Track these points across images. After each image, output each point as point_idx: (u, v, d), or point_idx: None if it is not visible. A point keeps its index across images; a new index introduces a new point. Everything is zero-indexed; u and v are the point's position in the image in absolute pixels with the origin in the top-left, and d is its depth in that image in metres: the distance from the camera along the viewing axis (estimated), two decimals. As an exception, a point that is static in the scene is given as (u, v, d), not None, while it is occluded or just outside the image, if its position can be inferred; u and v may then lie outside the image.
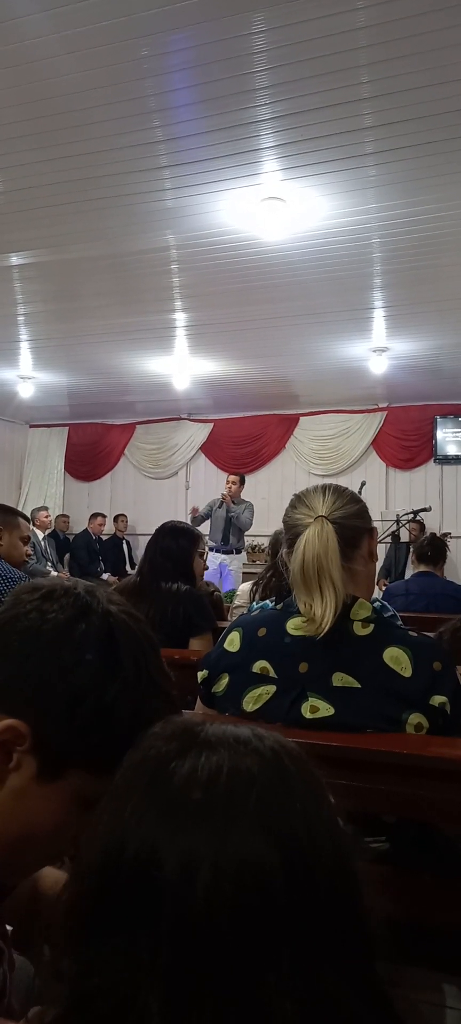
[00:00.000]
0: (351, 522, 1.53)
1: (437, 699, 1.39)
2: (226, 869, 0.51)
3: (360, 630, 1.46)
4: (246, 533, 8.17)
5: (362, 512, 1.58)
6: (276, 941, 0.50)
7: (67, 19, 3.06)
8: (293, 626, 1.49)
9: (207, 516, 8.04)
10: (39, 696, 0.75)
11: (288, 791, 0.56)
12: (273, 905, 0.51)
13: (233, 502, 7.88)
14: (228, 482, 8.02)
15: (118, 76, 3.40)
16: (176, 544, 2.98)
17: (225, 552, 7.83)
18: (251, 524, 7.96)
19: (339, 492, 1.57)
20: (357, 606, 1.47)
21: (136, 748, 0.61)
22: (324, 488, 1.57)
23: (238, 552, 8.01)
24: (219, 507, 7.93)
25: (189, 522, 8.02)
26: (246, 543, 9.74)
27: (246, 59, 3.26)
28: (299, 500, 1.58)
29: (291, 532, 1.55)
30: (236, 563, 7.92)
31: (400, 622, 1.67)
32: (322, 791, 0.59)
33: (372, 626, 1.46)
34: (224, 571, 7.70)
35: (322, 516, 1.50)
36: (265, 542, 9.20)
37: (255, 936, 0.50)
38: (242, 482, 8.05)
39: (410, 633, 1.49)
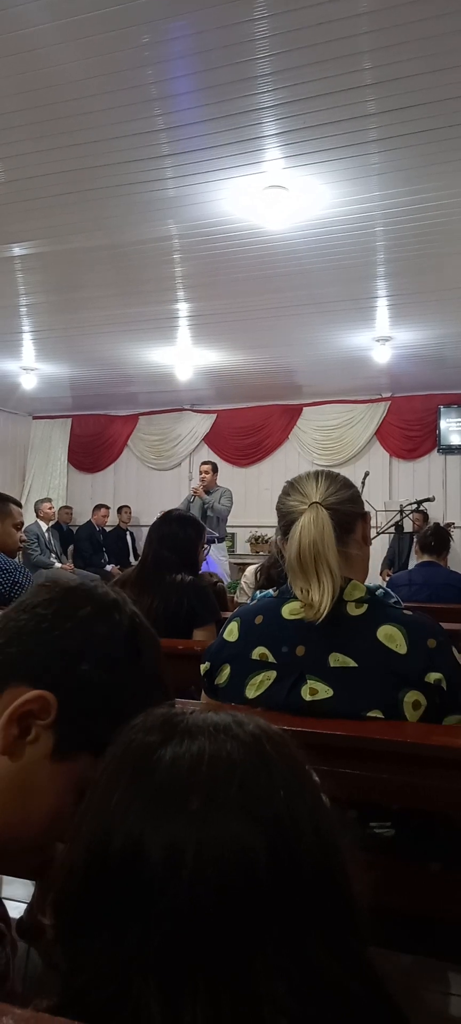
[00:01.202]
0: (345, 507, 1.53)
1: (433, 676, 1.39)
2: (210, 855, 0.52)
3: (354, 610, 1.47)
4: (248, 524, 8.06)
5: (355, 497, 1.59)
6: (264, 922, 0.51)
7: (66, 7, 3.04)
8: (289, 611, 1.51)
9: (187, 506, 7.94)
10: (66, 673, 0.78)
11: (269, 775, 0.56)
12: (259, 888, 0.52)
13: (207, 492, 7.76)
14: (201, 472, 7.92)
15: (118, 64, 3.38)
16: (184, 533, 2.92)
17: (207, 542, 7.72)
18: (229, 510, 7.83)
19: (332, 477, 1.58)
20: (350, 587, 1.48)
21: (116, 743, 0.61)
22: (317, 474, 1.58)
23: (220, 540, 7.94)
24: (192, 501, 7.81)
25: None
26: (247, 534, 9.71)
27: (248, 46, 3.23)
28: (292, 487, 1.59)
29: (285, 520, 1.56)
30: (217, 552, 7.85)
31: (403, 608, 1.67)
32: (304, 773, 0.60)
33: (366, 606, 1.47)
34: (210, 562, 7.64)
35: (316, 502, 1.50)
36: (268, 533, 9.21)
37: (243, 919, 0.51)
38: (215, 470, 7.97)
39: (404, 612, 1.49)
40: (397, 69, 3.33)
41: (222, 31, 3.15)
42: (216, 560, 7.64)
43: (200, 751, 0.56)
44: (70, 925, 0.55)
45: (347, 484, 1.59)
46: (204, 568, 7.08)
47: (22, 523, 3.41)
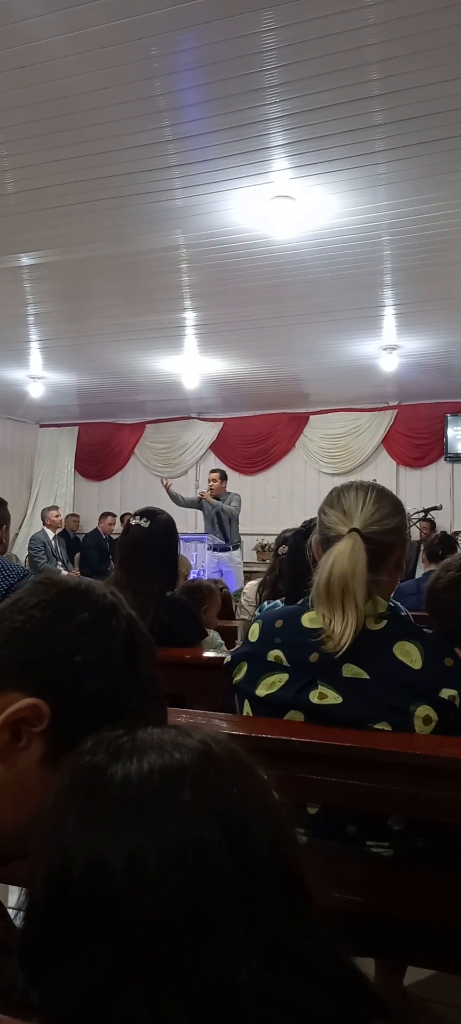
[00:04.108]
0: (386, 538, 1.49)
1: (447, 692, 1.39)
2: (171, 857, 0.53)
3: (373, 625, 1.46)
4: (251, 531, 8.11)
5: (399, 526, 1.53)
6: (230, 908, 0.53)
7: (75, 20, 3.06)
8: (309, 619, 1.50)
9: (197, 506, 8.07)
10: (61, 681, 0.77)
11: (218, 773, 0.59)
12: (220, 877, 0.54)
13: (216, 499, 7.78)
14: (209, 479, 7.99)
15: (126, 76, 3.40)
16: (159, 535, 2.56)
17: (222, 551, 7.77)
18: (238, 510, 7.85)
19: (380, 502, 1.51)
20: (371, 603, 1.47)
21: (64, 771, 0.62)
22: (366, 492, 1.52)
23: (235, 548, 7.94)
24: (210, 509, 7.82)
25: (166, 489, 8.10)
26: (253, 542, 9.72)
27: (255, 57, 3.25)
28: (337, 500, 1.53)
29: (323, 534, 1.53)
30: (234, 560, 7.85)
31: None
32: (251, 768, 0.62)
33: (385, 622, 1.47)
34: (224, 569, 7.64)
35: (356, 529, 1.46)
36: (274, 541, 9.20)
37: (209, 910, 0.53)
38: (223, 477, 8.01)
39: (425, 630, 1.49)
40: (404, 80, 3.34)
41: (230, 43, 3.17)
42: (232, 567, 7.65)
43: (150, 764, 0.58)
44: (40, 963, 0.55)
45: (395, 510, 1.53)
46: (217, 574, 7.11)
47: (9, 516, 3.28)
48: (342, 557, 1.43)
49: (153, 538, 2.53)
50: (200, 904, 0.52)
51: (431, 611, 1.84)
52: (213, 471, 8.13)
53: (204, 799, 0.56)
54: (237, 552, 7.97)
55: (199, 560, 7.79)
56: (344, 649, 1.40)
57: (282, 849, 0.58)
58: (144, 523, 2.54)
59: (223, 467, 9.35)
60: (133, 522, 2.59)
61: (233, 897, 0.53)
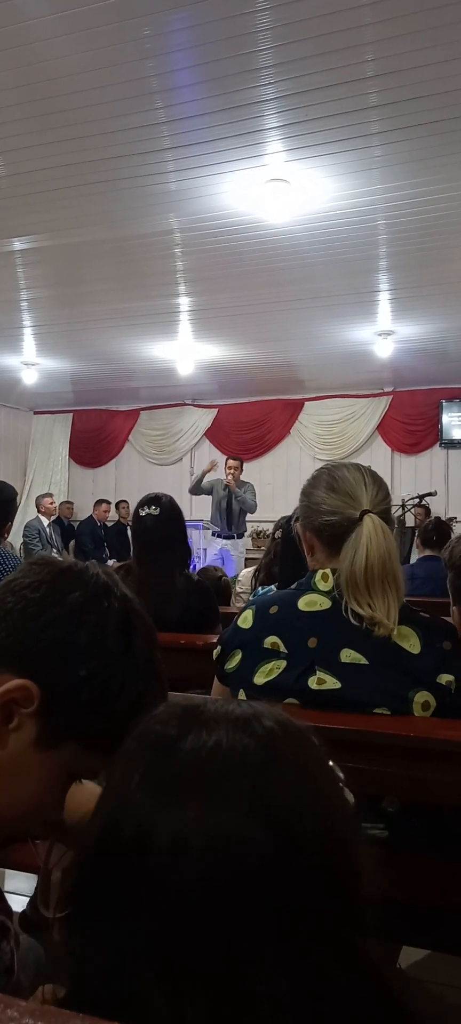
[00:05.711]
0: (388, 517, 1.50)
1: (445, 677, 1.39)
2: (215, 850, 0.52)
3: None
4: (249, 518, 8.07)
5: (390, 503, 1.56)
6: (264, 919, 0.51)
7: (66, 0, 3.03)
8: (305, 603, 1.49)
9: (208, 491, 7.91)
10: (52, 663, 0.77)
11: (281, 772, 0.56)
12: (260, 884, 0.51)
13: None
14: (230, 467, 7.80)
15: (119, 57, 3.36)
16: (177, 520, 2.66)
17: (227, 538, 7.76)
18: (256, 506, 7.87)
19: (378, 482, 1.52)
20: None
21: (136, 731, 0.61)
22: (362, 474, 1.51)
23: (240, 536, 7.93)
24: (223, 491, 7.79)
25: (195, 483, 7.99)
26: (249, 528, 9.73)
27: (249, 38, 3.22)
28: (335, 482, 1.50)
29: (322, 519, 1.50)
30: (238, 548, 7.86)
31: None
32: (320, 770, 0.59)
33: None
34: (226, 557, 7.65)
35: (369, 511, 1.45)
36: (270, 527, 9.21)
37: (241, 915, 0.51)
38: (242, 465, 7.93)
39: (423, 615, 1.48)
40: (400, 61, 3.31)
41: (224, 23, 3.13)
42: (235, 555, 7.64)
43: (216, 745, 0.56)
44: (82, 910, 0.56)
45: (387, 490, 1.54)
46: (218, 560, 7.12)
47: None
48: (377, 540, 1.42)
49: (167, 523, 2.58)
50: (233, 908, 0.51)
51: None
52: (232, 460, 7.92)
53: (260, 799, 0.54)
54: (242, 541, 7.99)
55: (195, 544, 7.80)
56: (396, 631, 1.40)
57: (335, 869, 0.55)
58: (154, 511, 2.58)
59: (217, 453, 9.35)
60: (143, 513, 2.60)
61: (269, 909, 0.51)
